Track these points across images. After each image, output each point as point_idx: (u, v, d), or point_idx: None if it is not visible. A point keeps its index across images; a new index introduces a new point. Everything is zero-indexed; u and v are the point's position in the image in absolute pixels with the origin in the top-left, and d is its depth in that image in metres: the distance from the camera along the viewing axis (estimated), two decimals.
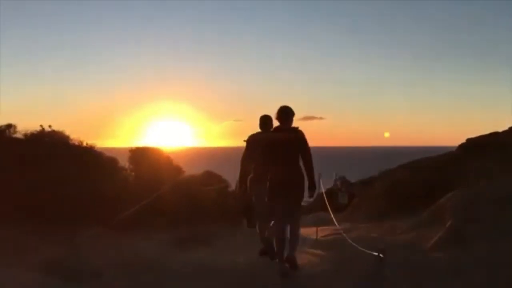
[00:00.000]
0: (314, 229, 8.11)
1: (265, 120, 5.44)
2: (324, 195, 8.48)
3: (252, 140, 5.45)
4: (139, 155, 9.54)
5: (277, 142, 4.80)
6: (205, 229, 8.09)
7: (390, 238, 6.12)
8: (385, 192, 9.37)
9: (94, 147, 9.67)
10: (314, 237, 7.31)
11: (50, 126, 8.69)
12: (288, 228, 4.89)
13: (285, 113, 4.88)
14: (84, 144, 9.16)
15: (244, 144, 5.53)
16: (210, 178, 15.58)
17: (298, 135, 4.85)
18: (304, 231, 6.96)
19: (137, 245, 6.43)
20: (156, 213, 7.65)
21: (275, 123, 5.07)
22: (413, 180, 9.16)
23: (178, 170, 10.04)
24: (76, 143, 9.05)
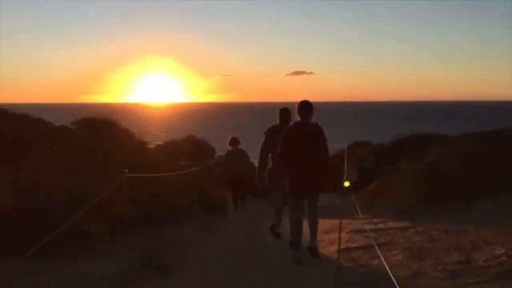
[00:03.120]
0: (327, 223, 6.37)
1: (285, 113, 5.60)
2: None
3: (272, 132, 5.52)
4: (88, 129, 7.05)
5: (301, 136, 4.83)
6: (169, 238, 5.79)
7: (463, 282, 3.73)
8: (418, 179, 7.04)
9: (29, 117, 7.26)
10: (332, 247, 5.10)
11: None
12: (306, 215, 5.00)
13: (306, 108, 4.94)
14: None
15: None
16: (193, 145, 13.13)
17: (319, 130, 4.93)
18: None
19: None
20: (98, 222, 5.26)
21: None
22: (455, 166, 6.82)
23: (141, 146, 7.58)
24: None
